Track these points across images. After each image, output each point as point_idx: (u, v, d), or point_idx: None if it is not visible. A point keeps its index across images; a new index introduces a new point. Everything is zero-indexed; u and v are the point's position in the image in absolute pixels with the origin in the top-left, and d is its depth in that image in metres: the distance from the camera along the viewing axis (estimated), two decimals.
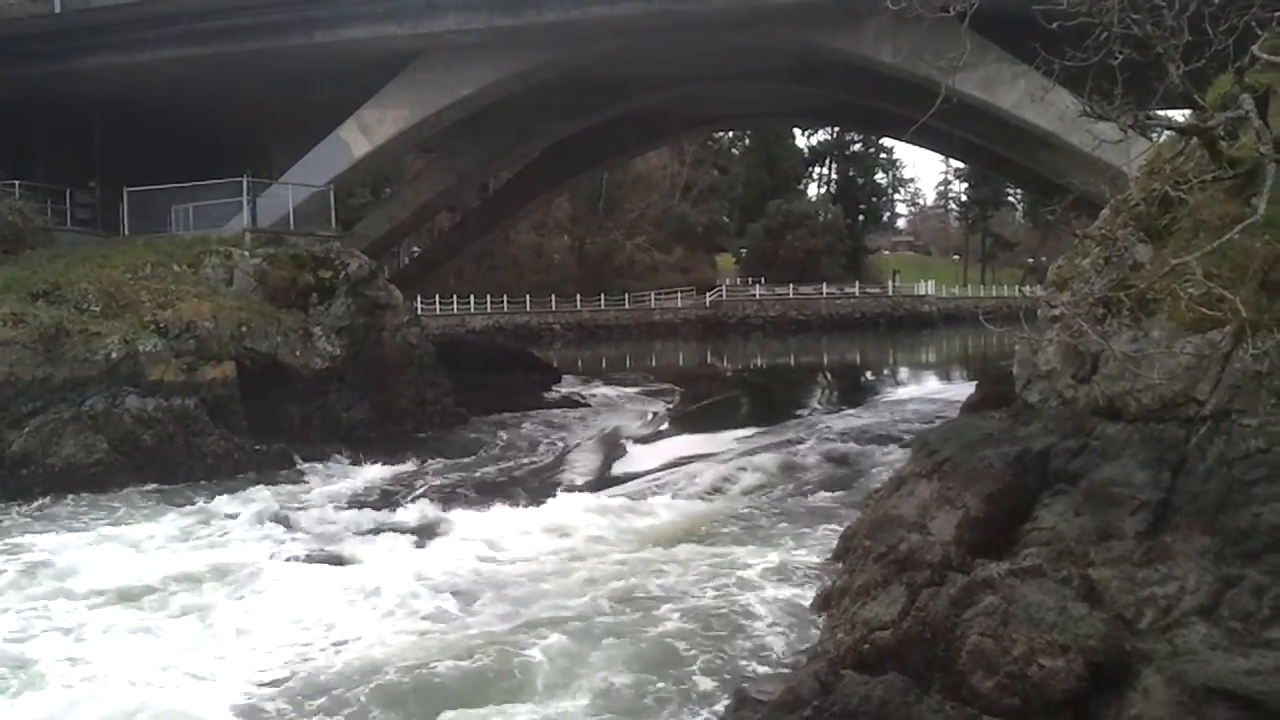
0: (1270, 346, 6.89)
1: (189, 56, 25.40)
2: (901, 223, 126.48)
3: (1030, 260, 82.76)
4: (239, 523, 14.76)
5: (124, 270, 21.73)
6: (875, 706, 6.22)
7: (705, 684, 8.47)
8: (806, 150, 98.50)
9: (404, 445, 21.18)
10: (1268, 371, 6.98)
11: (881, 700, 6.25)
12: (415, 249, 54.60)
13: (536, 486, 17.73)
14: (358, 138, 25.55)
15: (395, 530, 14.39)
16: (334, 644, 9.75)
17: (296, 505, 16.11)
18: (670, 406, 30.48)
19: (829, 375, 46.57)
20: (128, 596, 11.21)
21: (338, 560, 12.83)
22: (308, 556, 12.98)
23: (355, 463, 19.46)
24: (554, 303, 66.96)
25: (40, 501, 16.35)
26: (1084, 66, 7.81)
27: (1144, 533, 7.07)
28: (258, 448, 19.26)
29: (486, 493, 17.36)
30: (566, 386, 34.05)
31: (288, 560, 12.76)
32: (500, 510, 15.15)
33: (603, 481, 18.33)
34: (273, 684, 8.77)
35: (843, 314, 73.02)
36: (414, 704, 8.25)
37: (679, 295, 71.90)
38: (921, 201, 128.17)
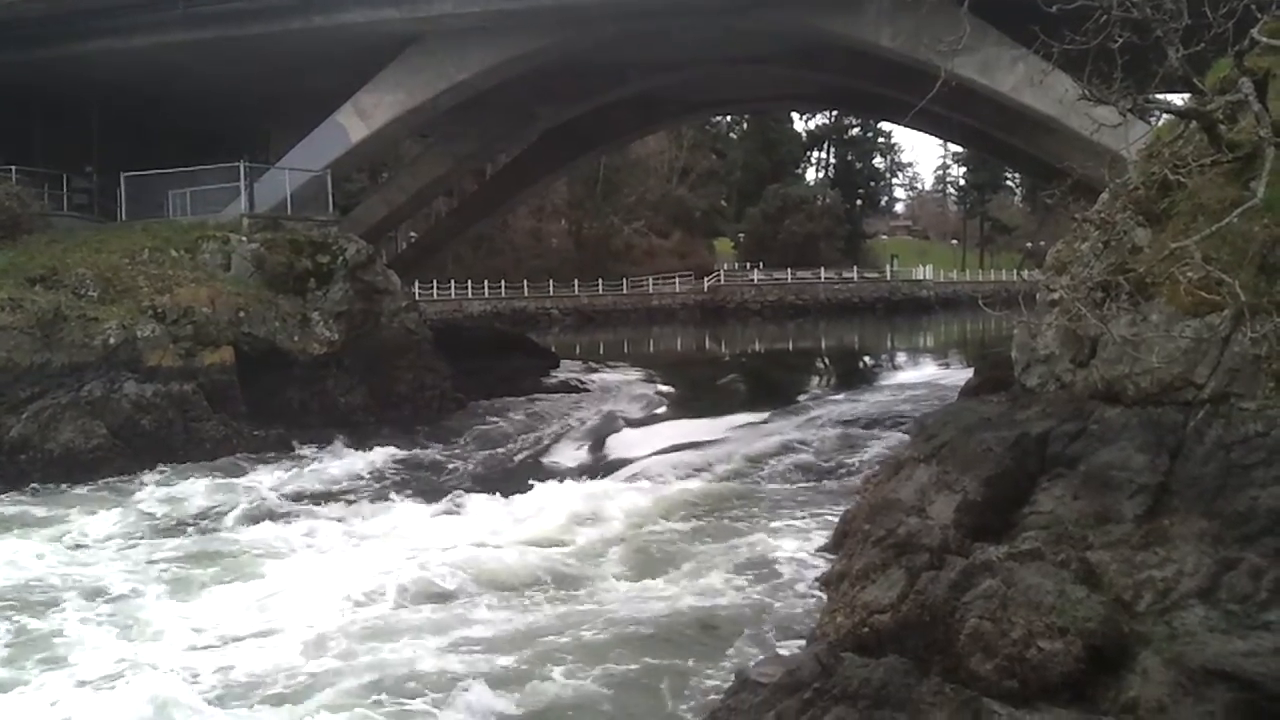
0: (1269, 330, 6.89)
1: (187, 41, 25.23)
2: (900, 207, 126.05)
3: (1029, 244, 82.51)
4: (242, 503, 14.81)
5: (121, 255, 21.63)
6: (875, 689, 6.23)
7: (704, 665, 8.50)
8: (805, 135, 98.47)
9: (403, 430, 21.19)
10: (1266, 355, 6.99)
11: (881, 682, 6.26)
12: (413, 234, 54.44)
13: (534, 470, 17.77)
14: (355, 122, 25.44)
15: (395, 511, 14.46)
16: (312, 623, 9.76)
17: (293, 488, 16.16)
18: (668, 391, 30.49)
19: (827, 360, 46.59)
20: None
21: (339, 539, 12.91)
22: (305, 536, 13.06)
23: (354, 447, 19.44)
24: (552, 288, 66.91)
25: None
26: (1083, 50, 7.80)
27: (1142, 516, 7.09)
28: (256, 432, 19.32)
29: (484, 476, 17.47)
30: (565, 372, 34.04)
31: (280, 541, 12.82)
32: (498, 494, 15.16)
33: (601, 465, 18.34)
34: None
35: (840, 299, 72.94)
36: (417, 680, 8.27)
37: (677, 280, 71.79)
38: (920, 186, 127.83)
